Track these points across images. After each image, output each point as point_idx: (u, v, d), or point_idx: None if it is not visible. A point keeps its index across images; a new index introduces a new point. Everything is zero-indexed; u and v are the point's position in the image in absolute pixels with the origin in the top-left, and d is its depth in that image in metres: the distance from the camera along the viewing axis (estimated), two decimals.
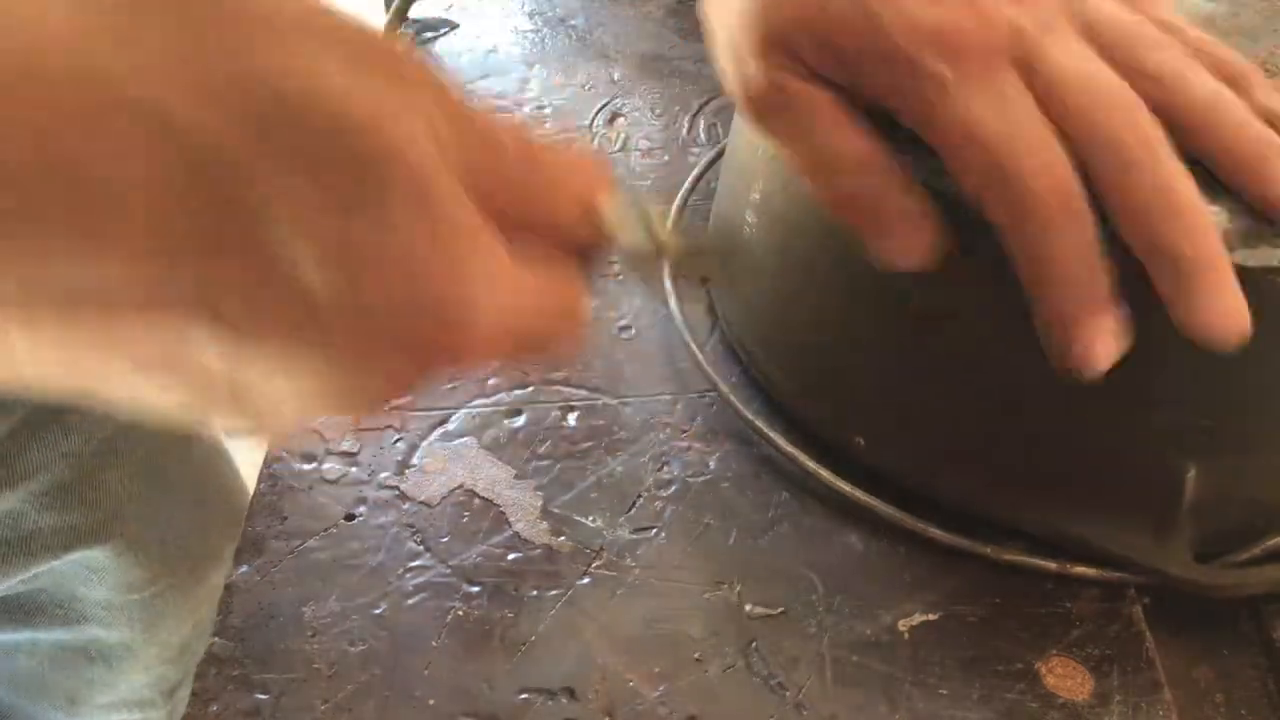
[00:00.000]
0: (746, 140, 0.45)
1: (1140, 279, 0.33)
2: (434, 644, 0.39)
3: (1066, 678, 0.37)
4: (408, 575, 0.41)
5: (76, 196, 0.20)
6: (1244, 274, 0.33)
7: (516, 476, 0.44)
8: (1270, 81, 0.37)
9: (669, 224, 0.28)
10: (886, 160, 0.35)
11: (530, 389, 0.48)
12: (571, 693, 0.37)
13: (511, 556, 0.41)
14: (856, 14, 0.33)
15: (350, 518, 0.43)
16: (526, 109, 0.64)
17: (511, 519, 0.43)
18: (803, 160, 0.37)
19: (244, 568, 0.41)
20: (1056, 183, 0.32)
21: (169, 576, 0.67)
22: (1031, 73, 0.33)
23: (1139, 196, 0.32)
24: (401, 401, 0.30)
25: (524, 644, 0.39)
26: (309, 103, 0.21)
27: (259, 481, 0.44)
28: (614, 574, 0.41)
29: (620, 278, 0.53)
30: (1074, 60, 0.33)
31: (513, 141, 0.26)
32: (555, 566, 0.41)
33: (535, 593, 0.40)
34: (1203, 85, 0.34)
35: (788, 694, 0.37)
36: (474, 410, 0.47)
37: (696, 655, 0.38)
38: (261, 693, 0.37)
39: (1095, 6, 0.35)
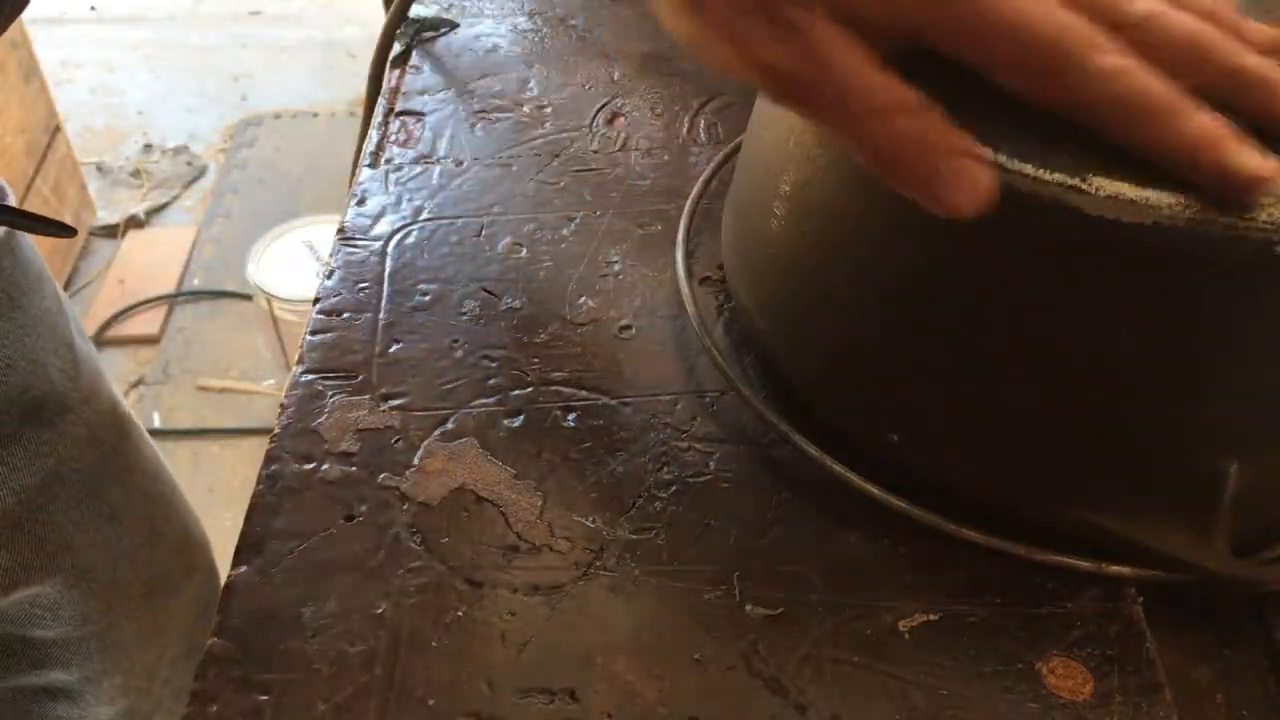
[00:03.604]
0: (774, 131, 0.45)
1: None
2: (434, 644, 0.39)
3: (1066, 678, 0.37)
4: (408, 576, 0.41)
5: None
6: None
7: (516, 477, 0.44)
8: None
9: None
10: (923, 100, 0.33)
11: (530, 389, 0.48)
12: (571, 693, 0.37)
13: (511, 558, 0.41)
14: None
15: (350, 518, 0.43)
16: (526, 108, 0.64)
17: (511, 519, 0.43)
18: (828, 111, 0.34)
19: (244, 568, 0.41)
20: (1119, 59, 0.33)
21: (123, 605, 0.66)
22: None
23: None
24: None
25: (524, 644, 0.39)
26: None
27: (258, 482, 0.44)
28: (614, 574, 0.41)
29: (620, 277, 0.53)
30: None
31: None
32: (555, 566, 0.41)
33: (535, 593, 0.40)
34: (1181, 21, 0.34)
35: (788, 694, 0.37)
36: (474, 410, 0.47)
37: (696, 655, 0.38)
38: (261, 693, 0.37)
39: None
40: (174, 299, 1.83)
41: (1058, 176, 0.35)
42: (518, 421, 0.46)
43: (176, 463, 1.59)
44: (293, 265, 1.54)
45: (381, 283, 0.53)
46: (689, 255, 0.53)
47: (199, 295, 1.85)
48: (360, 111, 0.69)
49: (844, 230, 0.42)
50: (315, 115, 2.25)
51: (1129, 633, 0.39)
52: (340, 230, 0.56)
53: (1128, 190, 0.34)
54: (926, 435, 0.42)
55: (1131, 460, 0.39)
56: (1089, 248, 0.35)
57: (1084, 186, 0.34)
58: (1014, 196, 0.35)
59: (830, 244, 0.43)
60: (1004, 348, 0.39)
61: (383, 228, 0.56)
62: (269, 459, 0.45)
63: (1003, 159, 0.36)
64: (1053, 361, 0.38)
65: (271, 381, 1.69)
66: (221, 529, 1.49)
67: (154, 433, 1.62)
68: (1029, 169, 0.35)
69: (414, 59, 0.69)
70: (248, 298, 1.73)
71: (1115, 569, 0.40)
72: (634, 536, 0.42)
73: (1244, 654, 0.39)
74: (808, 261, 0.44)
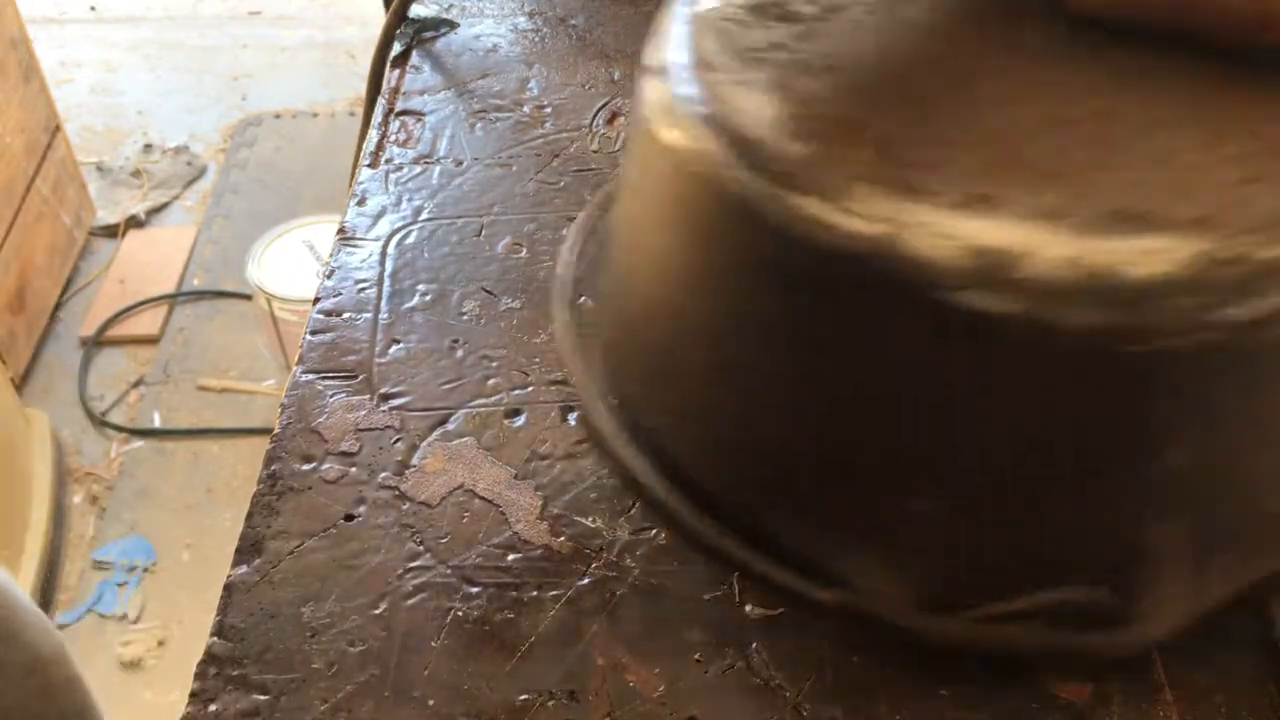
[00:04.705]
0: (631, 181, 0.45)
1: None
2: (434, 644, 0.39)
3: (1067, 678, 0.37)
4: (407, 576, 0.41)
5: None
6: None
7: (516, 476, 0.44)
8: None
9: None
10: None
11: (530, 389, 0.48)
12: (571, 693, 0.37)
13: (511, 557, 0.41)
14: None
15: (350, 518, 0.43)
16: (526, 108, 0.64)
17: (511, 519, 0.43)
18: None
19: (243, 568, 0.41)
20: None
21: None
22: None
23: None
24: None
25: (524, 644, 0.39)
26: None
27: (259, 482, 0.44)
28: (614, 574, 0.41)
29: None
30: None
31: None
32: (555, 567, 0.41)
33: (535, 593, 0.40)
34: None
35: (788, 695, 0.37)
36: (474, 410, 0.47)
37: (697, 656, 0.38)
38: (260, 693, 0.37)
39: None
40: (174, 299, 1.83)
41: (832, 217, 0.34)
42: (518, 421, 0.46)
43: (176, 463, 1.59)
44: (293, 265, 1.54)
45: (381, 283, 0.53)
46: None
47: (199, 295, 1.85)
48: (360, 111, 0.69)
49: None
50: (315, 115, 2.25)
51: None
52: (340, 230, 0.56)
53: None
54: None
55: (826, 485, 0.39)
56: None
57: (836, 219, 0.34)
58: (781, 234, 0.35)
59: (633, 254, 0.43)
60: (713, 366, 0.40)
61: (383, 228, 0.56)
62: (269, 459, 0.45)
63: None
64: (779, 388, 0.38)
65: (271, 382, 1.69)
66: (221, 529, 1.50)
67: (154, 433, 1.62)
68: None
69: (414, 59, 0.69)
70: (248, 298, 1.73)
71: (824, 595, 0.38)
72: (634, 536, 0.42)
73: (1244, 654, 0.38)
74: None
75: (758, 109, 0.37)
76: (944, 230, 0.33)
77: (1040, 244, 0.32)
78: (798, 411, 0.38)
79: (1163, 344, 0.32)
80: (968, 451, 0.36)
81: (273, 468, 0.44)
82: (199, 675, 0.38)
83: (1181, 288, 0.31)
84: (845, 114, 0.37)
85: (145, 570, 1.46)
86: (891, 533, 0.37)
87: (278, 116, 2.26)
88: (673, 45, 0.41)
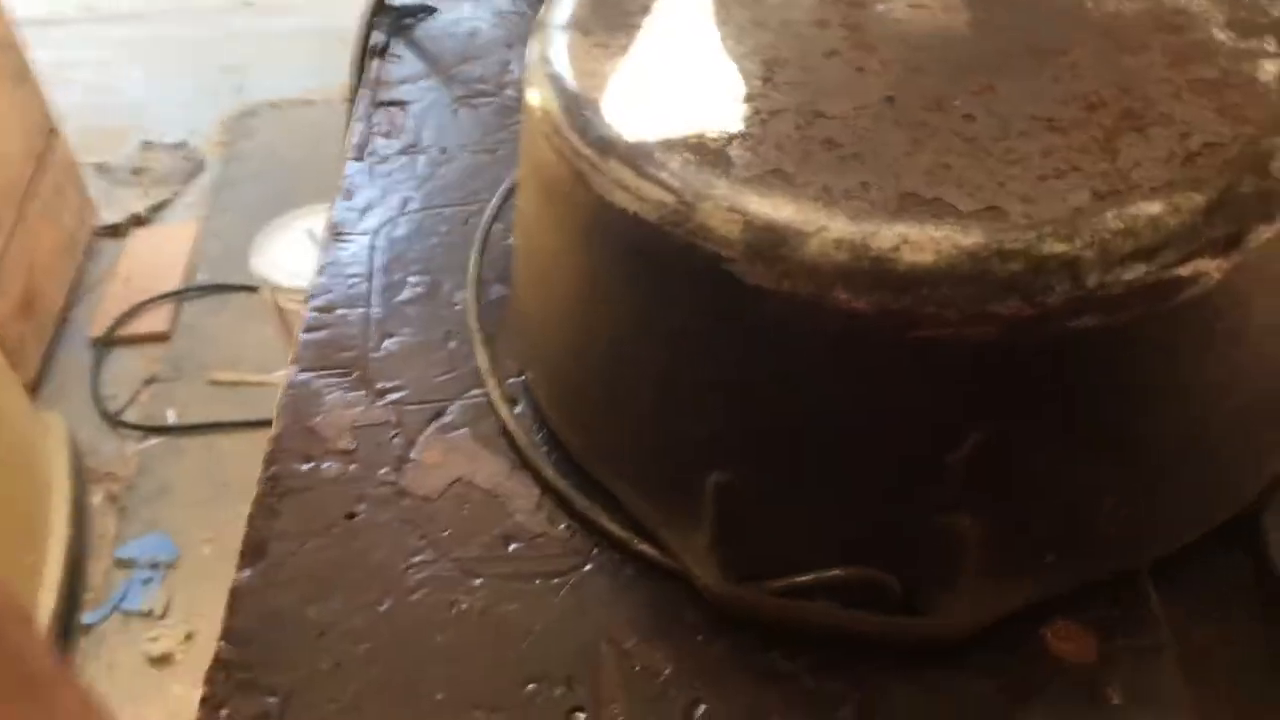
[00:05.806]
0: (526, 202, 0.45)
1: None
2: (439, 638, 0.39)
3: (1072, 641, 0.37)
4: (410, 571, 0.41)
5: None
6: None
7: (514, 466, 0.44)
8: None
9: None
10: None
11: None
12: (578, 679, 0.37)
13: (513, 546, 0.41)
14: None
15: (351, 516, 0.43)
16: (509, 91, 0.64)
17: (511, 509, 0.43)
18: None
19: (247, 571, 0.41)
20: None
21: None
22: None
23: None
24: None
25: (528, 634, 0.39)
26: None
27: (259, 484, 0.44)
28: (615, 560, 0.41)
29: None
30: None
31: None
32: (557, 555, 0.41)
33: (538, 582, 0.40)
34: None
35: (794, 677, 0.37)
36: (470, 401, 0.47)
37: (700, 636, 0.38)
38: (269, 695, 0.37)
39: None
40: (181, 295, 1.83)
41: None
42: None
43: (192, 458, 1.60)
44: (296, 255, 1.53)
45: (372, 277, 0.53)
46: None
47: (205, 290, 1.85)
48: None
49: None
50: (311, 103, 2.24)
51: (1133, 596, 0.38)
52: (328, 225, 0.56)
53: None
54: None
55: (642, 451, 0.40)
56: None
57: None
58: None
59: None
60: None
61: (371, 221, 0.56)
62: (269, 460, 0.45)
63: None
64: (608, 353, 0.40)
65: (282, 372, 1.70)
66: (240, 522, 1.49)
67: (169, 429, 1.63)
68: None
69: (394, 46, 0.68)
70: (254, 290, 1.73)
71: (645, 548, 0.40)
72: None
73: (1247, 616, 0.38)
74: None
75: (602, 71, 0.37)
76: (734, 204, 0.33)
77: (818, 223, 0.32)
78: (618, 378, 0.39)
79: (941, 332, 0.31)
80: (757, 426, 0.37)
81: (273, 469, 0.44)
82: (208, 680, 0.38)
83: (959, 277, 0.31)
84: (682, 84, 0.37)
85: (168, 566, 1.47)
86: (695, 501, 0.38)
87: (274, 106, 2.26)
88: (560, 2, 0.41)
